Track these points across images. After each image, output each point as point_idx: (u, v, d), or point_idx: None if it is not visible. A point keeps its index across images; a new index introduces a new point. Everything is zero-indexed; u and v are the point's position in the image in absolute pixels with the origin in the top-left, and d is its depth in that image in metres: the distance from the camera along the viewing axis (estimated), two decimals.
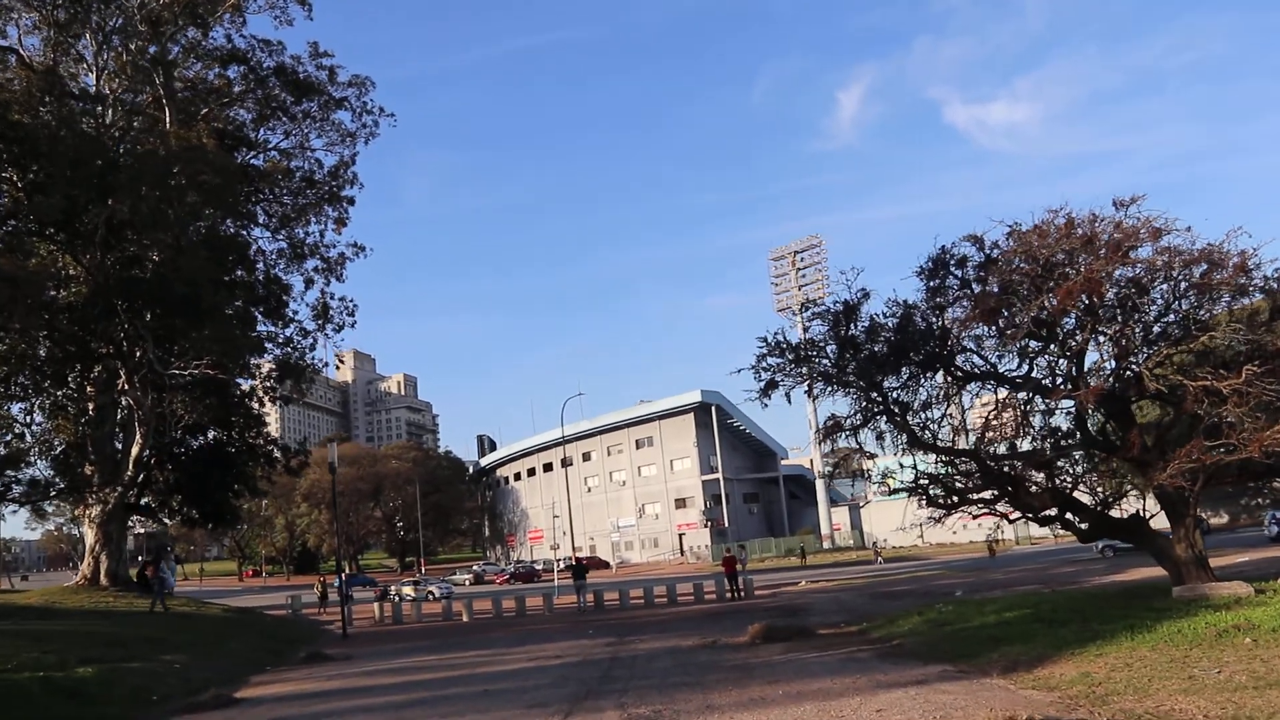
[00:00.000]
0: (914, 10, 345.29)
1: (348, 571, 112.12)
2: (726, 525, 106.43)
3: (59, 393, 43.30)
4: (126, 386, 38.56)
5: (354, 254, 51.65)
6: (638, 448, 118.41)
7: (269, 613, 45.33)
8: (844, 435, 19.90)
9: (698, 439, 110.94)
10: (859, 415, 19.97)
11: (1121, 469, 19.83)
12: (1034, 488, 19.12)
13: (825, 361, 20.05)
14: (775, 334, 20.20)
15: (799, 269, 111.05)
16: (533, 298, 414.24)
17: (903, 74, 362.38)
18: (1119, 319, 17.44)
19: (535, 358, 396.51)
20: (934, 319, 19.71)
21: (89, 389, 42.42)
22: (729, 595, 40.45)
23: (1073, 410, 20.38)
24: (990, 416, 20.37)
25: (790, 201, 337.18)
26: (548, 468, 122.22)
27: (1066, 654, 13.83)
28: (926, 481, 20.90)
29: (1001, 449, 20.95)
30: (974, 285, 19.65)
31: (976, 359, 20.46)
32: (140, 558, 51.96)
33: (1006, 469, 19.47)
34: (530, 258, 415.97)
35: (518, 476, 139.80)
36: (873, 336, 19.60)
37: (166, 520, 49.18)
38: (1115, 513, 21.73)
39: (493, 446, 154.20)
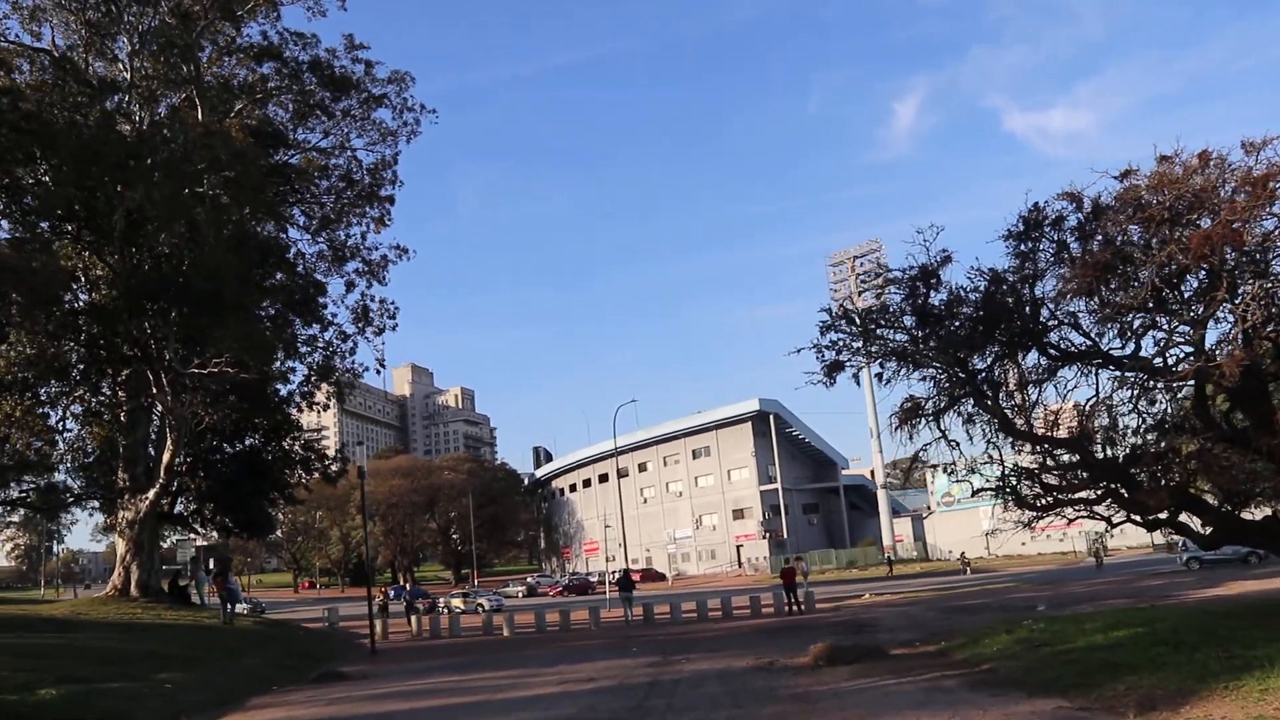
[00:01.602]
0: (967, 20, 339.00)
1: (402, 582, 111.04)
2: (785, 536, 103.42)
3: (91, 399, 41.99)
4: (155, 390, 36.94)
5: (397, 256, 49.63)
6: (694, 458, 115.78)
7: (307, 625, 43.52)
8: (924, 420, 17.03)
9: (756, 448, 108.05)
10: (942, 396, 17.06)
11: (1245, 465, 16.66)
12: (1149, 485, 16.05)
13: (899, 337, 17.22)
14: (841, 303, 17.47)
15: (858, 274, 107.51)
16: (588, 309, 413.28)
17: (958, 83, 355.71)
18: (1264, 276, 14.40)
19: (591, 369, 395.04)
20: (1023, 290, 16.81)
21: (120, 394, 40.99)
22: (788, 609, 37.63)
23: (1187, 396, 17.39)
24: (1087, 405, 17.45)
25: (846, 211, 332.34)
26: (603, 478, 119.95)
27: (1217, 689, 10.97)
28: (1018, 478, 17.91)
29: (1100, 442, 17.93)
30: (1072, 249, 16.74)
31: (1074, 336, 17.50)
32: (166, 567, 50.15)
33: (1122, 461, 16.40)
34: (585, 269, 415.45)
35: (573, 488, 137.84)
36: (953, 309, 16.74)
37: (200, 529, 47.51)
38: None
39: (549, 458, 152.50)
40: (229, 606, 36.33)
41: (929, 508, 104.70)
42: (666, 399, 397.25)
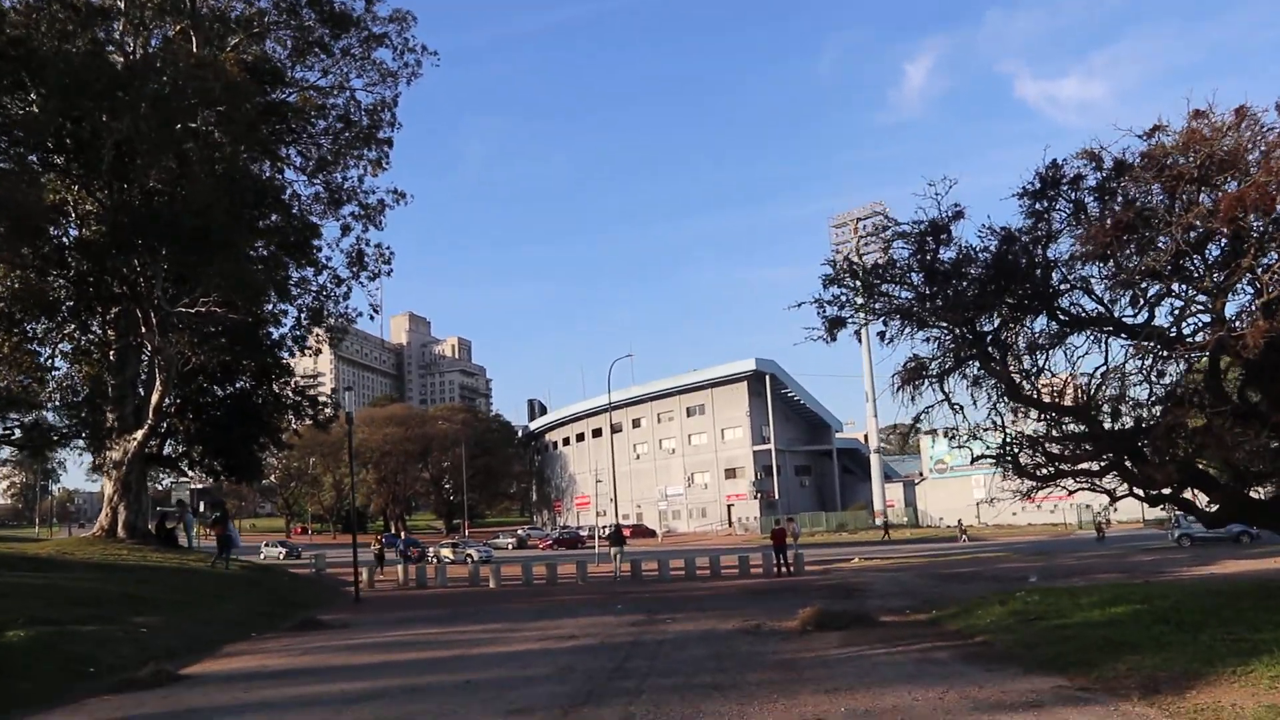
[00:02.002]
0: None
1: (394, 531, 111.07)
2: (777, 497, 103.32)
3: (81, 337, 41.37)
4: (145, 329, 36.32)
5: (394, 201, 48.72)
6: (689, 415, 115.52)
7: (294, 571, 43.25)
8: (928, 382, 16.39)
9: (750, 408, 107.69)
10: (949, 357, 16.40)
11: (1257, 442, 16.07)
12: (1156, 459, 15.47)
13: (905, 294, 16.53)
14: (846, 256, 16.75)
15: (861, 237, 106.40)
16: (589, 265, 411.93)
17: (972, 47, 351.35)
18: None
19: (589, 325, 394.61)
20: (1036, 251, 16.12)
21: (110, 333, 40.39)
22: (777, 570, 37.30)
23: (1199, 369, 16.79)
24: (1096, 373, 16.84)
25: (854, 173, 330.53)
26: (597, 433, 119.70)
27: (1224, 673, 10.47)
28: (1021, 446, 17.33)
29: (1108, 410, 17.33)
30: (1089, 210, 16.04)
31: (1086, 301, 16.85)
32: (159, 509, 49.84)
33: (1131, 433, 15.78)
34: (587, 226, 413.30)
35: (566, 442, 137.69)
36: (962, 267, 16.04)
37: (189, 472, 47.08)
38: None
39: (543, 411, 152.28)
40: (226, 552, 36.36)
41: (921, 474, 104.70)
42: (664, 358, 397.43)
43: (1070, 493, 19.02)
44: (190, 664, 15.74)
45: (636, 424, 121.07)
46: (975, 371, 16.64)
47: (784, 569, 37.22)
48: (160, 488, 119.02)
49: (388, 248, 47.61)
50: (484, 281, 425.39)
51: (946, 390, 16.52)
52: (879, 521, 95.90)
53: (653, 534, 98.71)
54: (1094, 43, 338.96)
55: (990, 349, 16.22)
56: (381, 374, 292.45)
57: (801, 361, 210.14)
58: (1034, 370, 16.65)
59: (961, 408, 16.85)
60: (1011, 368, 16.46)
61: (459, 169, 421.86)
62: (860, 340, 17.31)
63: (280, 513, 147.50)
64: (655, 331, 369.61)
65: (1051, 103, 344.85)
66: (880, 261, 16.46)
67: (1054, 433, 17.16)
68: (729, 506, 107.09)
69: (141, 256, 33.01)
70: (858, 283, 16.70)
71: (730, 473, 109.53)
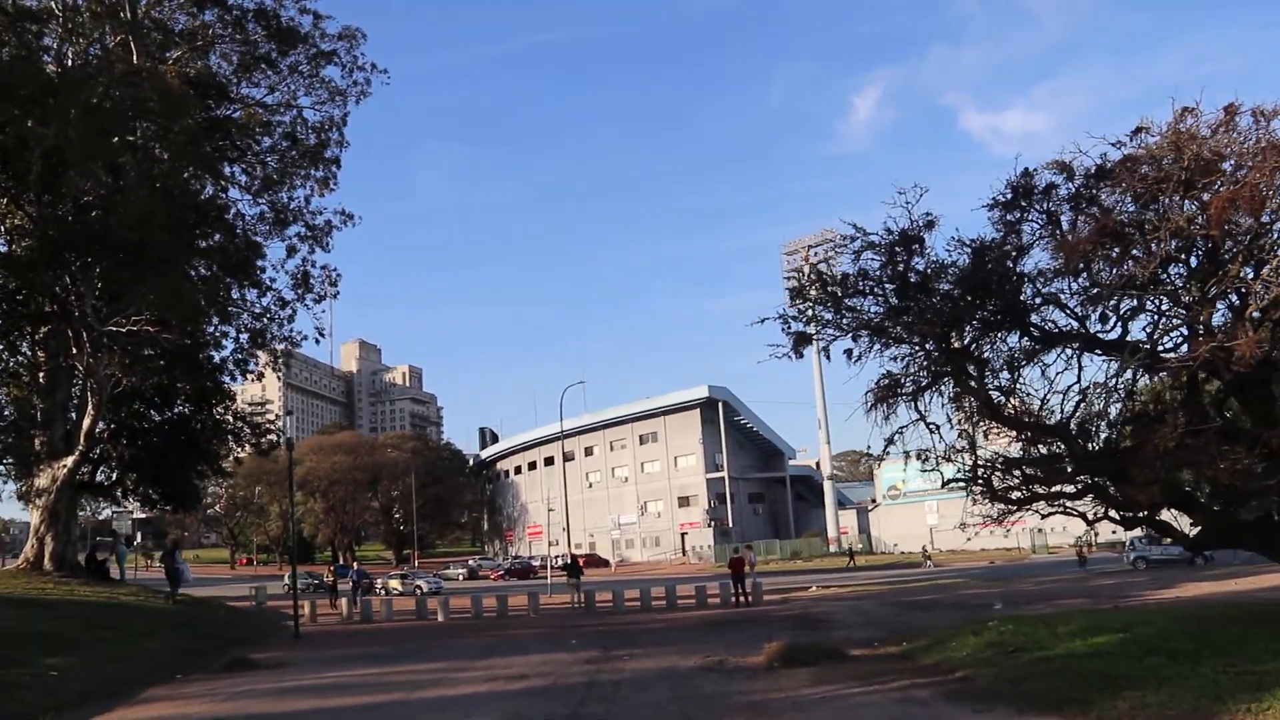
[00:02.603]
0: (929, 16, 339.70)
1: (343, 561, 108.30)
2: (730, 525, 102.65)
3: (9, 358, 39.43)
4: (76, 350, 34.58)
5: (342, 222, 47.23)
6: (641, 443, 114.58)
7: (233, 604, 41.34)
8: (902, 400, 15.51)
9: (703, 436, 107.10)
10: (924, 374, 15.54)
11: (1241, 461, 15.35)
12: (1139, 479, 14.66)
13: (875, 308, 15.66)
14: (813, 266, 15.85)
15: (812, 264, 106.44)
16: (542, 293, 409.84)
17: (917, 80, 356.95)
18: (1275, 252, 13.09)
19: (543, 353, 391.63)
20: (1007, 265, 15.38)
21: (40, 354, 38.52)
22: (735, 600, 36.24)
23: (1175, 385, 16.12)
24: (1069, 391, 16.11)
25: (804, 202, 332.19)
26: (549, 461, 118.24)
27: (1238, 711, 9.63)
28: (994, 468, 16.47)
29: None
30: (1063, 222, 15.37)
31: (1059, 316, 16.14)
32: (96, 539, 47.79)
33: (1115, 453, 14.96)
34: (539, 253, 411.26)
35: (518, 470, 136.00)
36: (935, 280, 15.22)
37: (124, 501, 45.08)
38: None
39: (495, 439, 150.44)
40: (175, 587, 35.17)
41: (875, 500, 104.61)
42: (617, 386, 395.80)
43: (1044, 516, 18.26)
44: (101, 711, 14.34)
45: (589, 452, 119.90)
46: (950, 390, 15.79)
47: (742, 599, 36.20)
48: (100, 517, 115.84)
49: (335, 269, 46.26)
50: (436, 308, 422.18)
51: (922, 409, 15.65)
52: (834, 549, 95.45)
53: (606, 563, 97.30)
54: (1036, 76, 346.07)
55: (967, 365, 15.39)
56: (331, 401, 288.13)
57: (754, 388, 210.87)
58: (1010, 388, 15.83)
59: (938, 427, 15.99)
60: (989, 385, 15.64)
61: (410, 195, 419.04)
62: (828, 357, 16.24)
63: (225, 543, 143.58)
64: (609, 359, 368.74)
65: (995, 135, 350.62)
66: (850, 273, 15.55)
67: (1030, 453, 16.30)
68: (683, 535, 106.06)
69: (71, 272, 31.41)
70: (825, 294, 15.76)
71: (684, 501, 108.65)
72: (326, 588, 43.47)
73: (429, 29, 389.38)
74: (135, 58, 36.69)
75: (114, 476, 41.93)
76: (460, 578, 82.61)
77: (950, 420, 16.06)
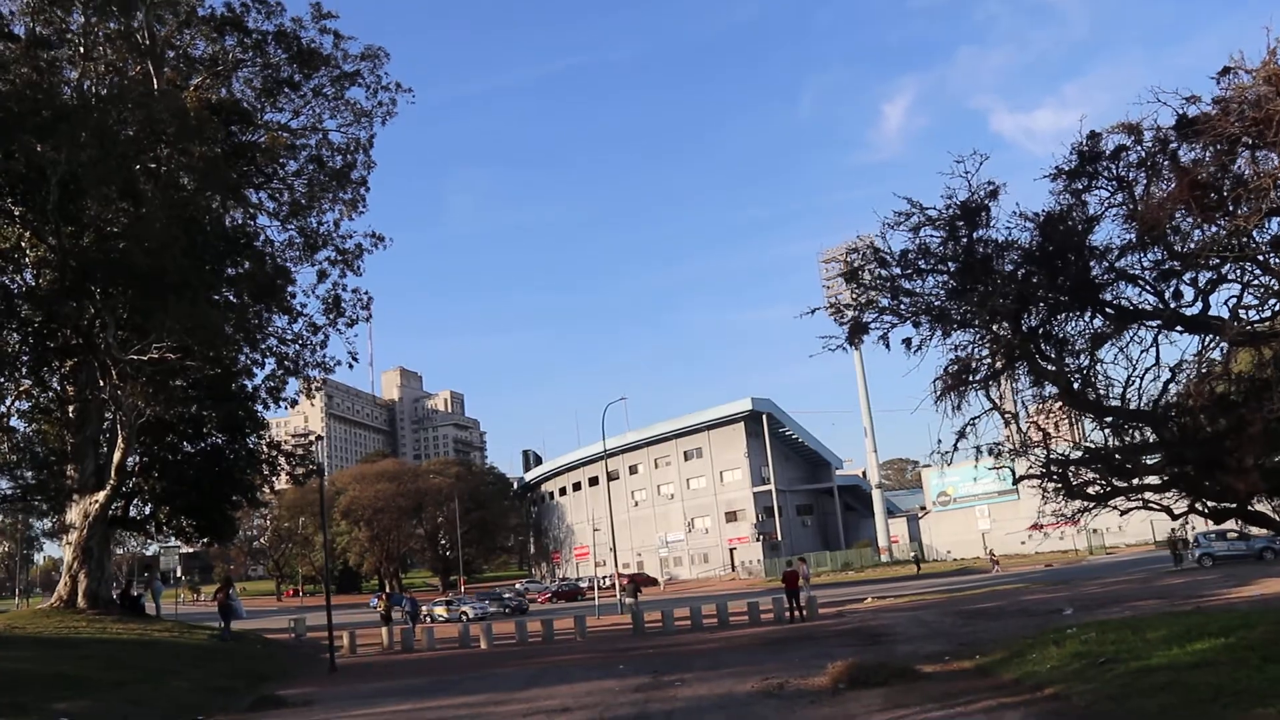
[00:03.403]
0: (955, 21, 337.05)
1: (389, 589, 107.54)
2: (779, 538, 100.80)
3: (40, 394, 38.91)
4: (103, 381, 33.92)
5: (373, 245, 46.54)
6: (686, 459, 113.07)
7: (271, 636, 40.35)
8: (974, 388, 13.98)
9: (748, 449, 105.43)
10: (996, 358, 13.97)
11: None
12: (1240, 465, 13.00)
13: (935, 289, 14.12)
14: (869, 244, 14.31)
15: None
16: (579, 313, 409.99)
17: (946, 84, 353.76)
18: None
19: (583, 373, 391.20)
20: (1076, 238, 13.82)
21: (68, 389, 37.99)
22: (789, 615, 34.66)
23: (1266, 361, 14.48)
24: (1147, 372, 14.52)
25: (839, 213, 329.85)
26: (593, 481, 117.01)
27: None
28: (1069, 463, 14.83)
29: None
30: (1135, 187, 13.84)
31: (1132, 292, 14.57)
32: (144, 574, 47.24)
33: (1209, 437, 13.28)
34: (576, 274, 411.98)
35: (563, 491, 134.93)
36: (1001, 254, 13.69)
37: (158, 535, 44.41)
38: None
39: (539, 461, 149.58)
40: (228, 623, 34.65)
41: (924, 508, 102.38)
42: (659, 402, 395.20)
43: (1123, 513, 16.62)
44: None
45: (634, 470, 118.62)
46: (1026, 375, 14.18)
47: (797, 613, 34.62)
48: (148, 553, 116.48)
49: (366, 292, 45.36)
50: (475, 334, 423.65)
51: (995, 398, 14.07)
52: (885, 558, 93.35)
53: (655, 582, 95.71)
54: (1064, 74, 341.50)
55: (1045, 346, 13.81)
56: (374, 430, 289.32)
57: (797, 400, 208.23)
58: (1089, 370, 14.20)
59: (1014, 416, 14.39)
60: (1067, 367, 14.04)
61: (446, 221, 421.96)
62: (887, 346, 14.85)
63: (271, 575, 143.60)
64: (649, 377, 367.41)
65: (1028, 135, 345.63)
66: (910, 248, 13.96)
67: (1114, 442, 14.66)
68: (731, 550, 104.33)
69: (94, 302, 30.76)
70: (880, 279, 14.21)
71: (731, 516, 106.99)
72: (381, 616, 42.28)
73: (458, 54, 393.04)
74: (156, 85, 36.22)
75: (147, 511, 41.25)
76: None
77: (1026, 409, 14.44)
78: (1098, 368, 14.18)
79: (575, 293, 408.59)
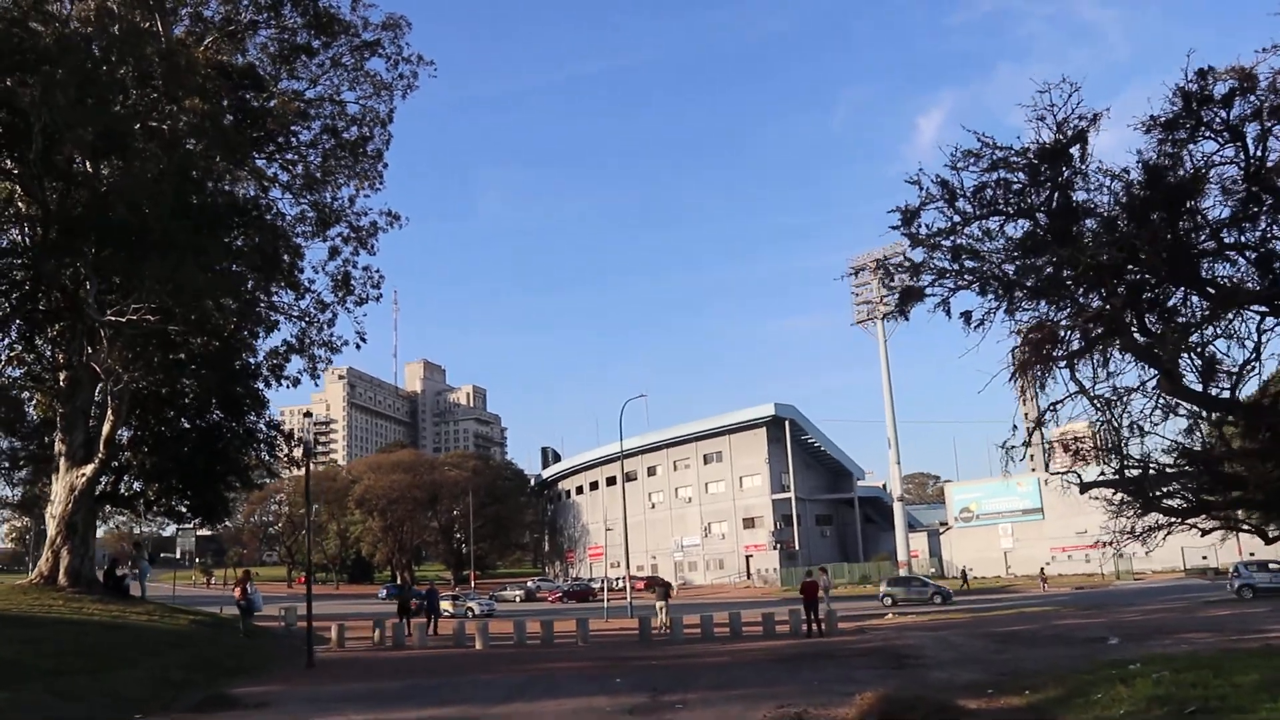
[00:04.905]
0: (994, 37, 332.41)
1: (398, 581, 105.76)
2: (797, 548, 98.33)
3: (31, 360, 37.21)
4: (91, 348, 32.07)
5: (388, 223, 44.27)
6: (705, 463, 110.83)
7: (263, 624, 38.28)
8: (1060, 364, 11.57)
9: (769, 455, 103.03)
10: (1089, 329, 11.50)
11: None
12: None
13: (1007, 254, 11.63)
14: (936, 178, 11.73)
15: (882, 281, 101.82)
16: (606, 314, 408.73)
17: (982, 100, 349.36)
18: None
19: (606, 374, 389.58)
20: (1186, 190, 11.42)
21: (59, 355, 36.23)
22: (806, 629, 32.32)
23: None
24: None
25: (869, 225, 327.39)
26: (611, 481, 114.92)
27: None
28: (1164, 470, 12.43)
29: None
30: (1248, 138, 11.43)
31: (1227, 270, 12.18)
32: (107, 555, 45.58)
33: None
34: (603, 275, 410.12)
35: (579, 490, 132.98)
36: (1081, 215, 11.30)
37: (148, 514, 42.61)
38: None
39: (557, 459, 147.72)
40: (248, 616, 33.08)
41: (945, 523, 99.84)
42: (680, 406, 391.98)
43: (1204, 533, 14.27)
44: None
45: (652, 472, 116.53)
46: (1118, 354, 11.72)
47: (815, 627, 32.26)
48: (165, 535, 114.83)
49: (378, 271, 43.19)
50: (500, 330, 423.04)
51: (1079, 379, 11.63)
52: (904, 572, 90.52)
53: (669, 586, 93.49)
54: (1101, 93, 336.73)
55: (1145, 318, 11.37)
56: (395, 421, 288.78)
57: (821, 409, 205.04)
58: (1203, 351, 11.73)
59: (1107, 403, 11.95)
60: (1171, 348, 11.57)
61: (475, 217, 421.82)
62: (948, 314, 12.54)
63: (284, 561, 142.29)
64: (672, 381, 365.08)
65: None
66: (989, 181, 11.43)
67: (1214, 444, 12.20)
68: (747, 558, 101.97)
69: (80, 260, 28.88)
70: (950, 218, 11.74)
71: (749, 522, 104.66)
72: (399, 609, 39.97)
73: (492, 52, 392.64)
74: (165, 43, 34.39)
75: (136, 487, 39.42)
76: (517, 599, 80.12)
77: (1121, 396, 11.93)
78: (1206, 351, 11.70)
79: (601, 294, 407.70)
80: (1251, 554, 49.70)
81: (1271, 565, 46.32)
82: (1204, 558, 66.41)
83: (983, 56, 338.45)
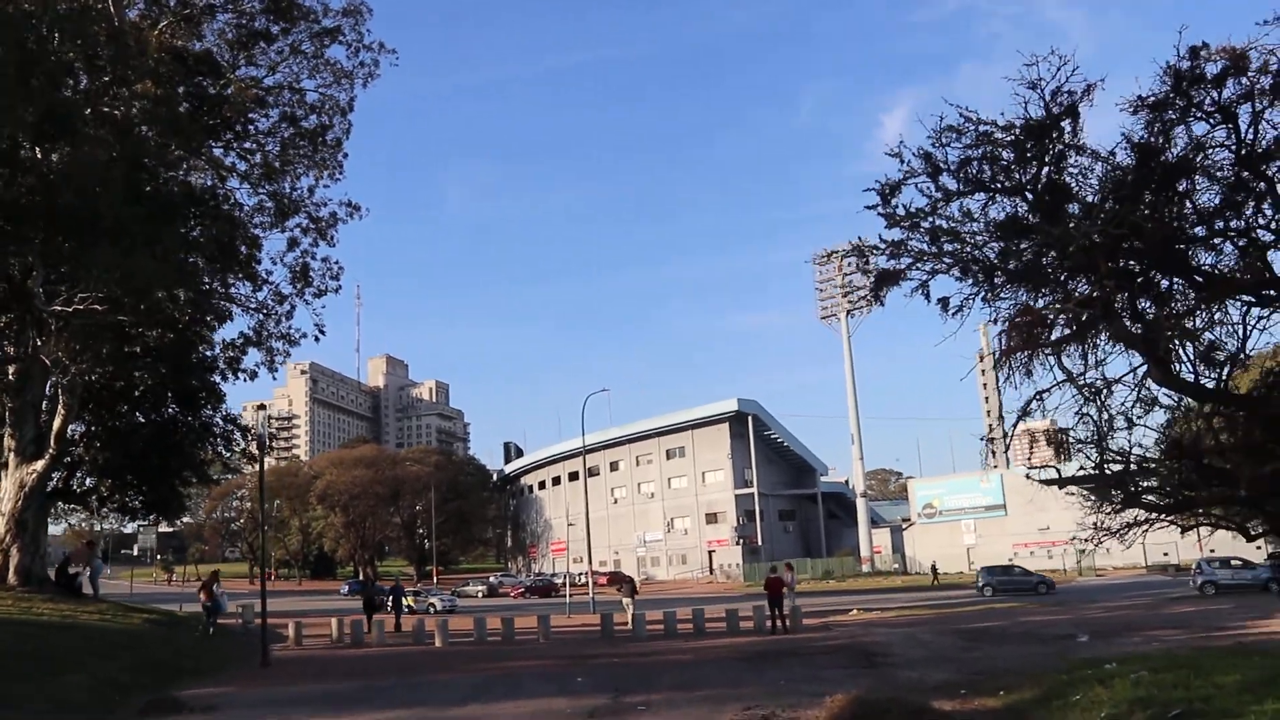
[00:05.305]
0: (959, 37, 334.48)
1: (360, 577, 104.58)
2: (760, 543, 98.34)
3: None
4: (40, 340, 31.09)
5: (348, 214, 43.48)
6: (668, 458, 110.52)
7: (222, 621, 37.41)
8: (1046, 351, 11.18)
9: (732, 450, 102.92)
10: (1080, 315, 11.07)
11: None
12: None
13: (989, 235, 11.22)
14: (919, 150, 11.16)
15: (845, 274, 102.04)
16: (570, 310, 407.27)
17: (948, 97, 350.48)
18: None
19: (570, 369, 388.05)
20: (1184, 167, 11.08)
21: (8, 347, 35.16)
22: (771, 625, 32.01)
23: None
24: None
25: (833, 222, 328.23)
26: (573, 476, 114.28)
27: None
28: (1150, 464, 12.12)
29: None
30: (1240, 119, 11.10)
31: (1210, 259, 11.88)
32: (65, 553, 44.48)
33: None
34: (568, 271, 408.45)
35: (542, 485, 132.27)
36: (1069, 194, 10.91)
37: (101, 510, 41.66)
38: None
39: (519, 453, 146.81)
40: (211, 618, 32.43)
41: (908, 519, 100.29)
42: (644, 403, 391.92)
43: (1184, 531, 14.04)
44: None
45: (614, 467, 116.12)
46: (1105, 342, 11.35)
47: (779, 623, 31.97)
48: (126, 532, 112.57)
49: (337, 262, 42.39)
50: (463, 324, 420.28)
51: (1069, 369, 11.24)
52: (866, 568, 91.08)
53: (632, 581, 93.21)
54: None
55: (1138, 303, 11.01)
56: (358, 417, 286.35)
57: (784, 405, 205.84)
58: (1195, 340, 11.37)
59: (1096, 392, 11.59)
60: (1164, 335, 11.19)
61: (439, 212, 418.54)
62: (928, 298, 12.07)
63: (245, 557, 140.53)
64: (636, 377, 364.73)
65: None
66: (975, 156, 10.94)
67: (1206, 438, 11.90)
68: (710, 553, 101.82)
69: (25, 248, 27.91)
70: (931, 195, 11.20)
71: (711, 517, 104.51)
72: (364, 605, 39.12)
73: (458, 47, 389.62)
74: (118, 23, 33.44)
75: (87, 483, 38.46)
76: (479, 595, 79.61)
77: (1108, 384, 11.60)
78: (1199, 340, 11.38)
79: (566, 290, 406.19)
80: (1212, 550, 50.00)
81: (1234, 562, 46.71)
82: (1165, 554, 66.92)
83: (947, 56, 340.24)
